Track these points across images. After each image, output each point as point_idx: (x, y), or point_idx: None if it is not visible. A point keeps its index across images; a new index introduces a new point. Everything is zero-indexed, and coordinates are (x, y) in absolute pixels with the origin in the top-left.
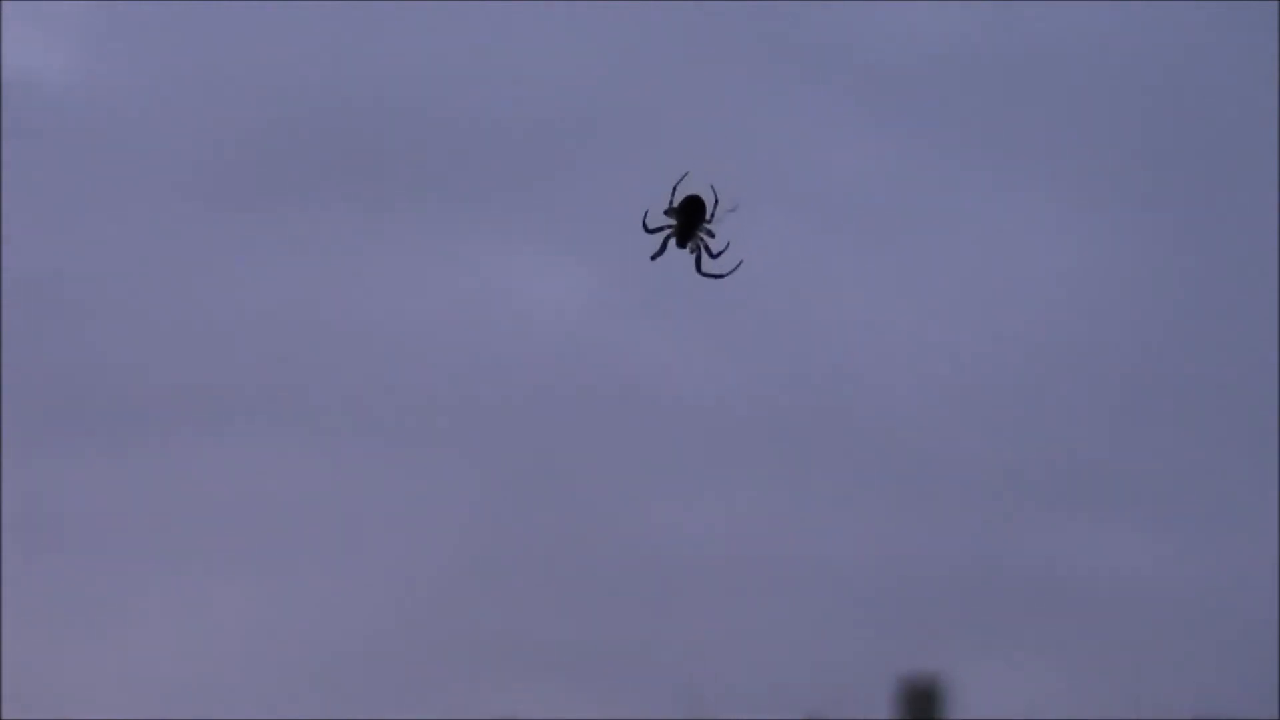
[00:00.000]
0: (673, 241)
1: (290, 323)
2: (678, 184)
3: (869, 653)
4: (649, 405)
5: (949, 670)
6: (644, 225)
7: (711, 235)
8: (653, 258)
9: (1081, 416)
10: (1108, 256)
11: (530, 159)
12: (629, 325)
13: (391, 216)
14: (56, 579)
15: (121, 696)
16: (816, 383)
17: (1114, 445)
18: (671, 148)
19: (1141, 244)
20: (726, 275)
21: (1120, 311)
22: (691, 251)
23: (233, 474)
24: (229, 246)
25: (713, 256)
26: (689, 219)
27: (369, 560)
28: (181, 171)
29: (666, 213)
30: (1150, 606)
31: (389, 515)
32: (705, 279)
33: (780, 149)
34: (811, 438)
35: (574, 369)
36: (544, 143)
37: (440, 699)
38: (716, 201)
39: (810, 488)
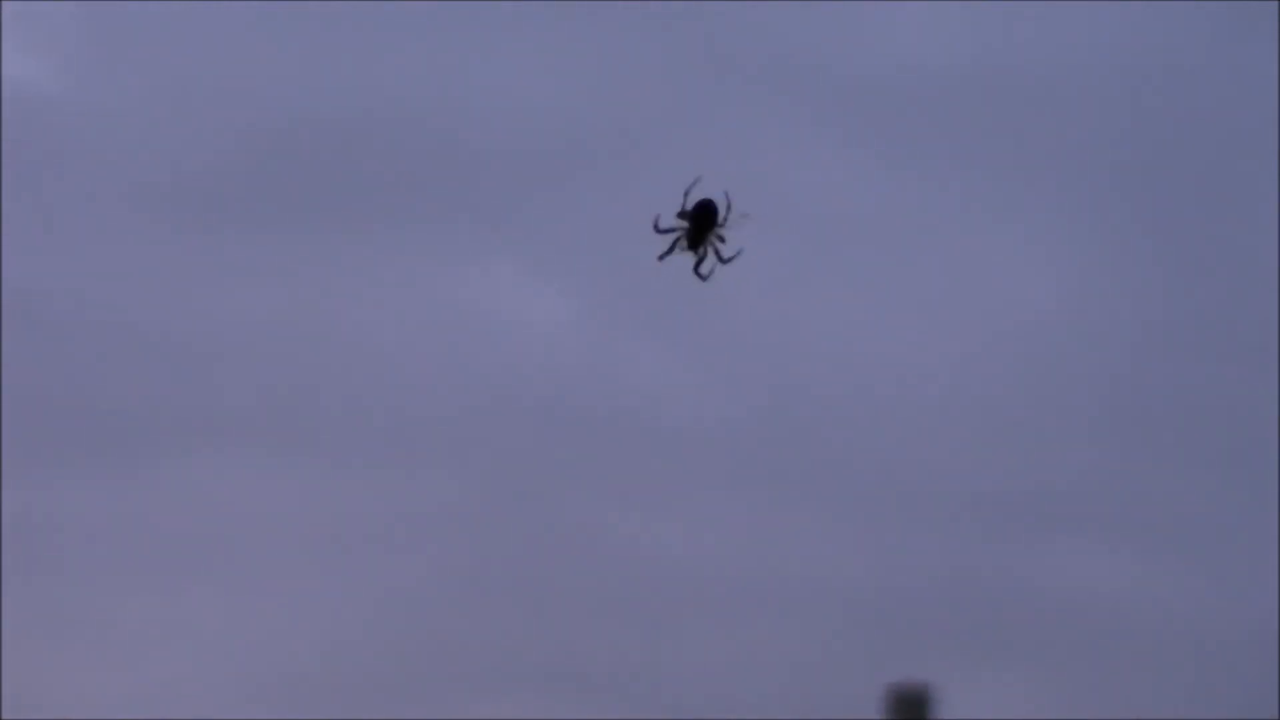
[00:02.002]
0: (682, 243)
1: (274, 341)
2: (690, 188)
3: (856, 665)
4: (634, 424)
5: (938, 682)
6: (655, 226)
7: (722, 240)
8: (660, 258)
9: (1067, 436)
10: (1096, 273)
11: (513, 181)
12: (613, 345)
13: (376, 236)
14: (46, 592)
15: (112, 706)
16: (801, 401)
17: (1098, 464)
18: (654, 169)
19: (1132, 260)
20: (707, 278)
21: (1107, 330)
22: (701, 255)
23: (217, 489)
24: (214, 265)
25: (722, 261)
26: (701, 223)
27: (354, 574)
28: (169, 191)
29: (679, 215)
30: (1137, 621)
31: (373, 530)
32: (696, 278)
33: (762, 168)
34: (796, 455)
35: (558, 388)
36: (527, 165)
37: (424, 709)
38: (730, 207)
39: (796, 504)
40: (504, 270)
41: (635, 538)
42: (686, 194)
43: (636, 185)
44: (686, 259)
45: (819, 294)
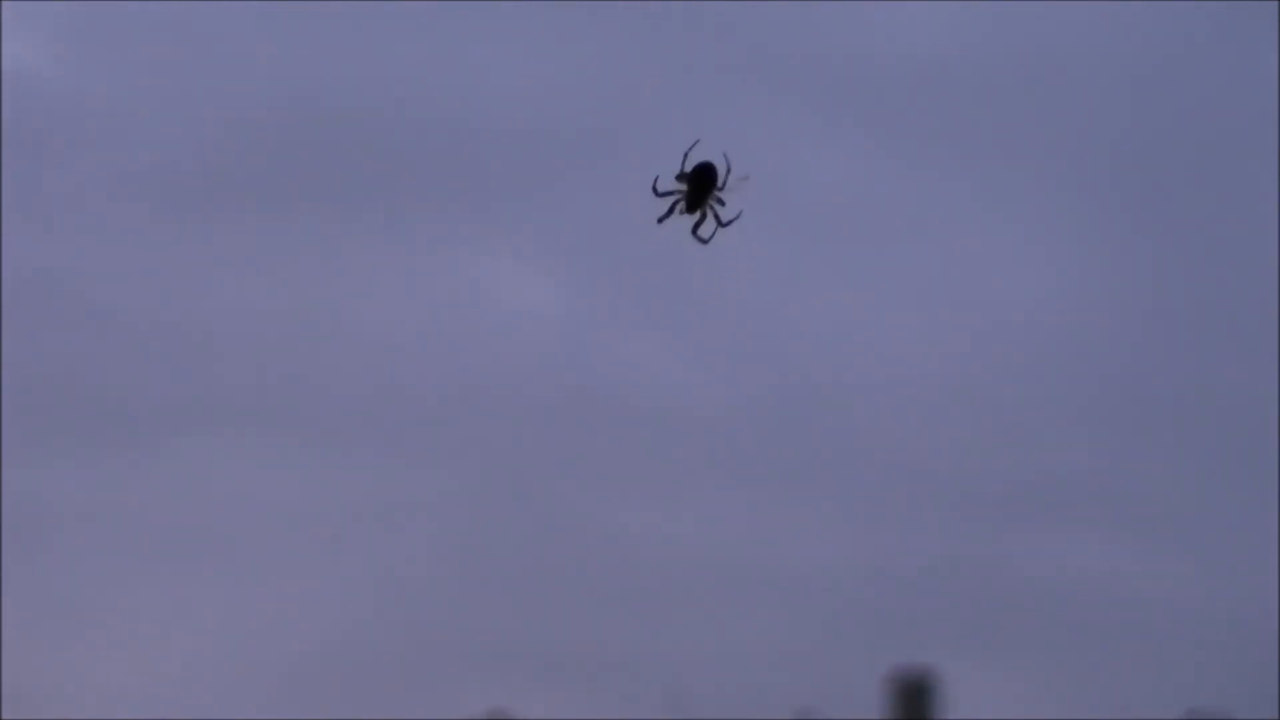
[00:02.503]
0: (680, 207)
1: (273, 330)
2: (689, 150)
3: (856, 655)
4: (633, 412)
5: (939, 669)
6: (654, 189)
7: (722, 204)
8: (659, 220)
9: (1067, 428)
10: (1094, 267)
11: (513, 170)
12: (613, 336)
13: (375, 227)
14: (43, 580)
15: (115, 698)
16: (800, 389)
17: (1098, 457)
18: (653, 162)
19: (1130, 254)
20: (707, 241)
21: (1107, 322)
22: (699, 218)
23: (219, 478)
24: (212, 254)
25: (721, 224)
26: (700, 186)
27: (356, 563)
28: (167, 180)
29: (678, 178)
30: (1137, 615)
31: (372, 521)
32: (696, 241)
33: (760, 159)
34: (795, 446)
35: (558, 379)
36: (526, 157)
37: (425, 699)
38: (729, 170)
39: (795, 495)
40: (504, 261)
41: (634, 528)
42: (685, 156)
43: (635, 178)
44: (685, 222)
45: (817, 286)
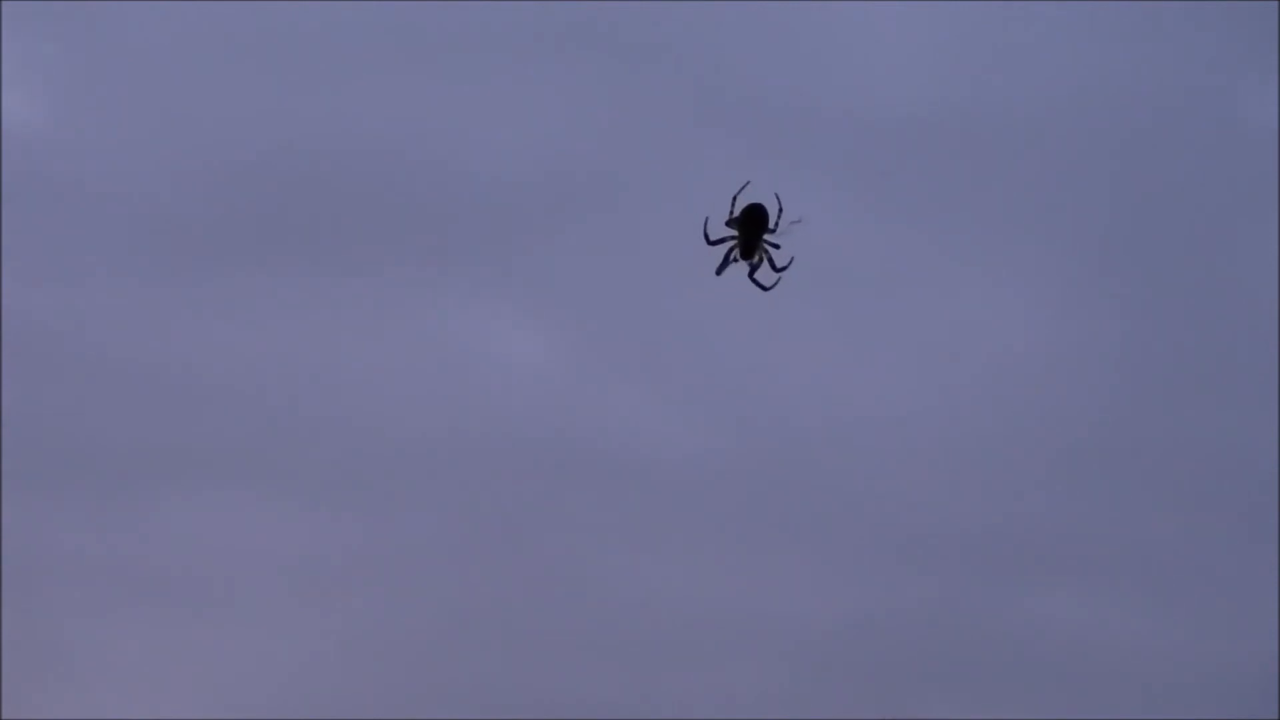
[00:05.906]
0: (735, 254)
1: (263, 380)
2: (738, 194)
3: (841, 703)
4: (619, 463)
5: None
6: (705, 237)
7: (776, 247)
8: (718, 272)
9: (1056, 479)
10: (1079, 318)
11: (498, 224)
12: (599, 385)
13: (365, 278)
14: (34, 624)
15: None
16: (785, 442)
17: (1078, 506)
18: (642, 215)
19: (1115, 305)
20: (770, 289)
21: (1092, 375)
22: (756, 263)
23: (203, 526)
24: (206, 305)
25: (776, 270)
26: (752, 229)
27: (344, 615)
28: (161, 231)
29: (728, 224)
30: (1121, 662)
31: (359, 568)
32: (756, 288)
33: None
34: (778, 495)
35: (542, 427)
36: (512, 209)
37: None
38: (781, 210)
39: (778, 543)
40: (490, 313)
41: (619, 576)
42: (734, 200)
43: (624, 230)
44: (742, 268)
45: (802, 340)
